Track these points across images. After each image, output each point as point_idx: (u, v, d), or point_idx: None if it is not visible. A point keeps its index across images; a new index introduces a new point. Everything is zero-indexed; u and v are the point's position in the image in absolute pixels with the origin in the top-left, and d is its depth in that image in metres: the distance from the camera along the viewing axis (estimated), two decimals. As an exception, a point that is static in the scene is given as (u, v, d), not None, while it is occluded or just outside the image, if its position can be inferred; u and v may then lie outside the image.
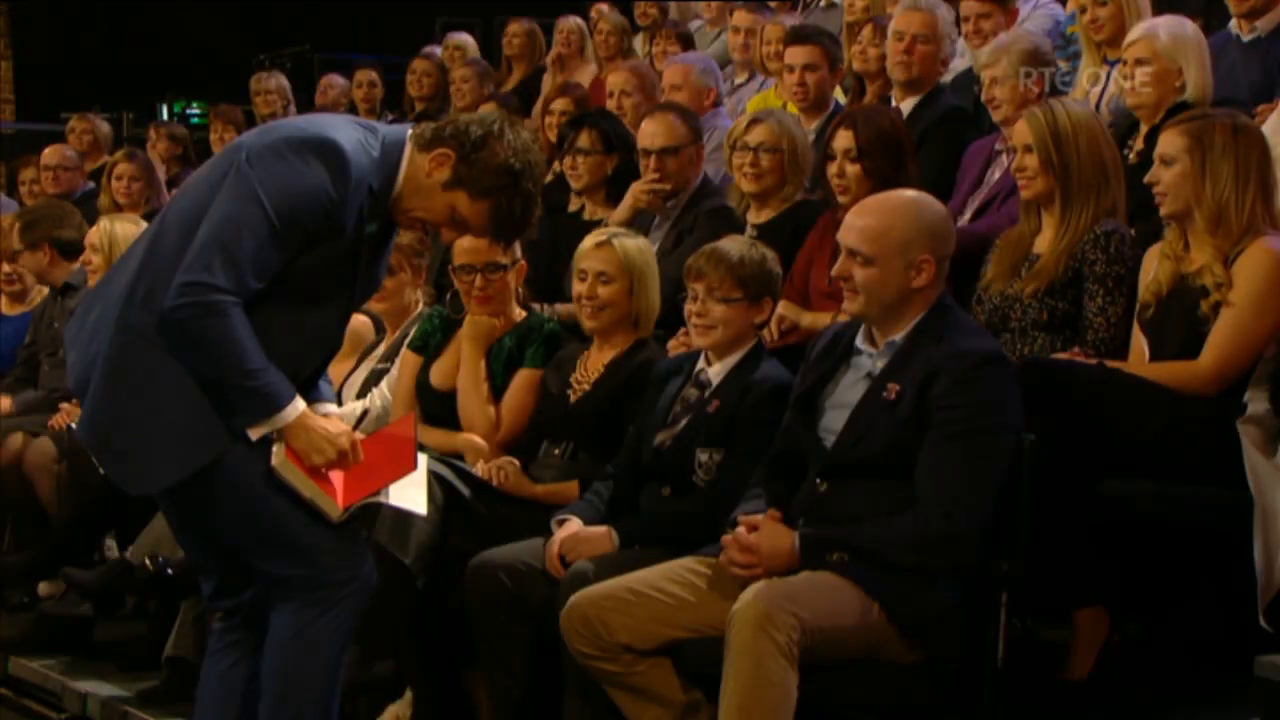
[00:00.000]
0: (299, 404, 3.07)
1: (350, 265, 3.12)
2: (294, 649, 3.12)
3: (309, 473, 3.13)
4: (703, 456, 3.68)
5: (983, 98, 4.78)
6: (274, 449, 3.10)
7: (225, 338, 2.97)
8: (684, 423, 3.74)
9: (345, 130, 3.07)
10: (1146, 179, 3.69)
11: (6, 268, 6.19)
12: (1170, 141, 3.63)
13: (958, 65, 5.93)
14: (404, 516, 3.85)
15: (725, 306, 3.71)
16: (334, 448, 3.10)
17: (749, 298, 3.73)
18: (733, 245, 3.81)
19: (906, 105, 5.31)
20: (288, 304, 3.07)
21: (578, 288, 4.18)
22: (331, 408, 3.30)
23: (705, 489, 3.66)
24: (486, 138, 3.10)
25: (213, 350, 2.98)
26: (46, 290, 6.16)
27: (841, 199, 4.37)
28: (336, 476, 3.17)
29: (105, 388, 3.04)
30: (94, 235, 5.70)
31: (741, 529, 3.26)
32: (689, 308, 3.78)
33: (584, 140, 5.23)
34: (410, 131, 3.16)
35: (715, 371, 3.77)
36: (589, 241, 4.22)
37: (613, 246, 4.15)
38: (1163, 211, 3.66)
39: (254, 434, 3.05)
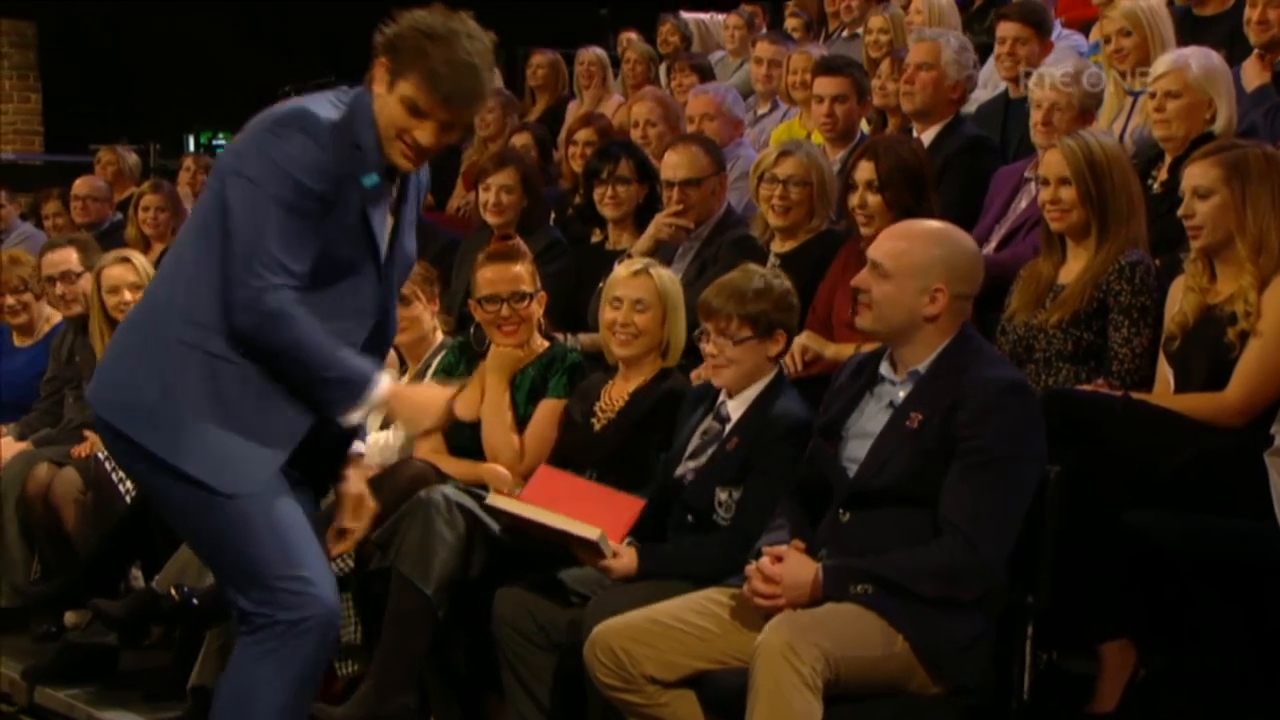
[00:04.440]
0: (385, 378, 3.11)
1: (363, 229, 3.12)
2: (235, 688, 3.10)
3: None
4: (722, 495, 3.67)
5: (1038, 121, 4.73)
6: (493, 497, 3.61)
7: (295, 339, 3.02)
8: (705, 458, 3.74)
9: (314, 97, 3.13)
10: (1180, 212, 3.68)
11: (10, 299, 6.22)
12: (1204, 173, 3.63)
13: (980, 96, 5.95)
14: (427, 547, 3.87)
15: (736, 346, 3.71)
16: (437, 406, 3.16)
17: (759, 334, 3.72)
18: (744, 279, 3.78)
19: (928, 135, 5.32)
20: (320, 288, 3.09)
21: (611, 315, 4.18)
22: (358, 445, 3.35)
23: (725, 530, 3.65)
24: (397, 28, 3.11)
25: (289, 353, 3.03)
26: (55, 320, 6.18)
27: (864, 230, 4.38)
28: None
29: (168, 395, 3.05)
30: (87, 283, 5.73)
31: (766, 559, 3.26)
32: (704, 346, 3.79)
33: (625, 169, 5.25)
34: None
35: (734, 406, 3.76)
36: (623, 270, 4.23)
37: (650, 275, 4.17)
38: (1198, 244, 3.64)
39: (354, 418, 3.11)
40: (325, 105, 3.09)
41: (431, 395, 3.22)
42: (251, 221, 3.00)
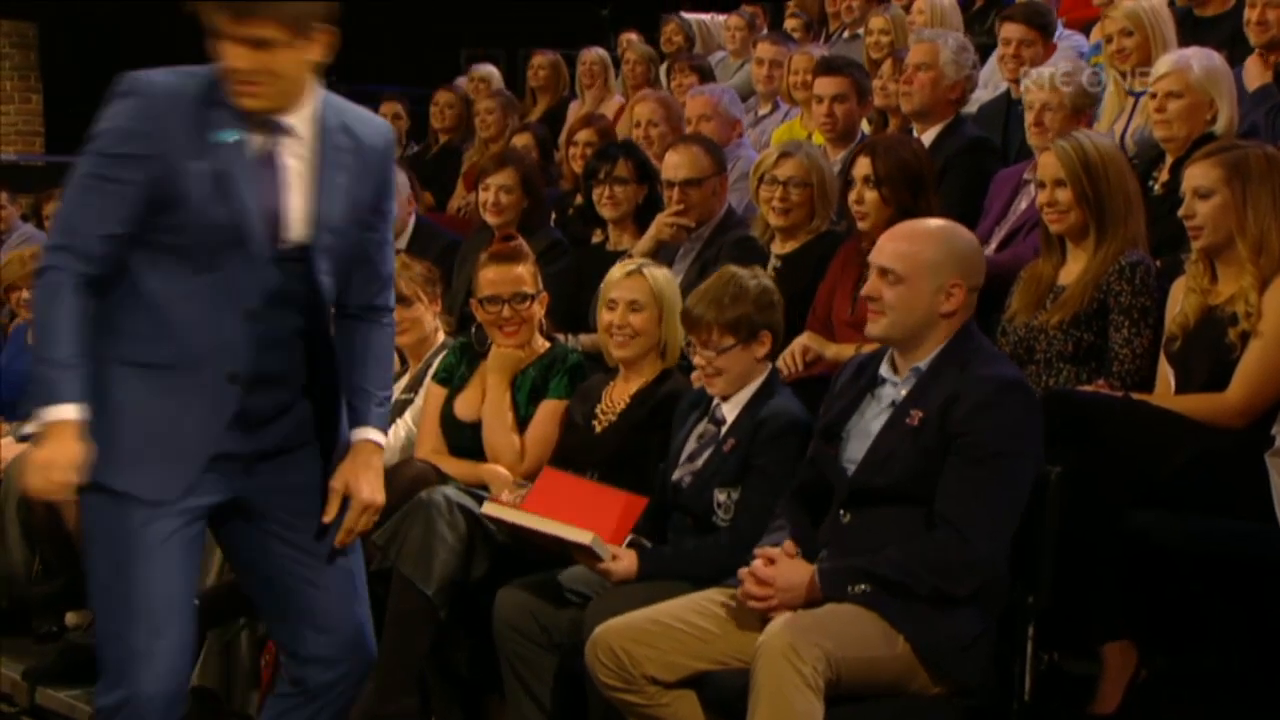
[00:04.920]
0: (70, 411, 2.89)
1: (231, 198, 2.95)
2: None
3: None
4: (720, 496, 3.67)
5: (1031, 122, 4.72)
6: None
7: (44, 311, 2.93)
8: (702, 461, 3.74)
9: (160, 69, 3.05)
10: (1181, 213, 3.68)
11: (27, 294, 6.24)
12: (1205, 174, 3.63)
13: (982, 96, 5.95)
14: (428, 548, 3.87)
15: (721, 356, 3.71)
16: (45, 476, 2.89)
17: (742, 339, 3.71)
18: (719, 285, 3.76)
19: (928, 136, 5.32)
20: (182, 265, 2.97)
21: (607, 317, 4.18)
22: (372, 433, 3.15)
23: (726, 532, 3.64)
24: None
25: (35, 317, 2.96)
26: None
27: (861, 225, 4.38)
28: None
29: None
30: None
31: (758, 562, 3.26)
32: (694, 359, 3.79)
33: (622, 169, 5.25)
34: None
35: (729, 408, 3.76)
36: (618, 271, 4.23)
37: (643, 275, 4.17)
38: (1199, 245, 3.64)
39: (27, 426, 2.98)
40: (165, 72, 3.02)
41: (68, 458, 2.89)
42: (71, 188, 2.98)
